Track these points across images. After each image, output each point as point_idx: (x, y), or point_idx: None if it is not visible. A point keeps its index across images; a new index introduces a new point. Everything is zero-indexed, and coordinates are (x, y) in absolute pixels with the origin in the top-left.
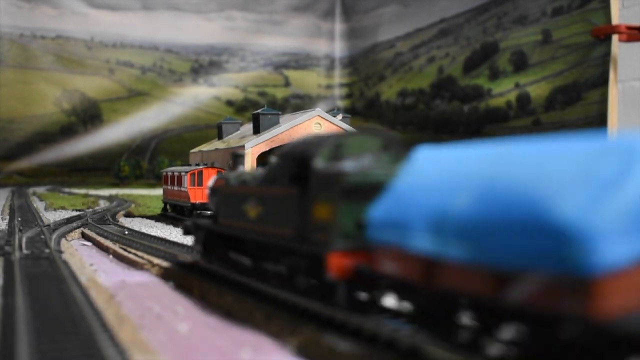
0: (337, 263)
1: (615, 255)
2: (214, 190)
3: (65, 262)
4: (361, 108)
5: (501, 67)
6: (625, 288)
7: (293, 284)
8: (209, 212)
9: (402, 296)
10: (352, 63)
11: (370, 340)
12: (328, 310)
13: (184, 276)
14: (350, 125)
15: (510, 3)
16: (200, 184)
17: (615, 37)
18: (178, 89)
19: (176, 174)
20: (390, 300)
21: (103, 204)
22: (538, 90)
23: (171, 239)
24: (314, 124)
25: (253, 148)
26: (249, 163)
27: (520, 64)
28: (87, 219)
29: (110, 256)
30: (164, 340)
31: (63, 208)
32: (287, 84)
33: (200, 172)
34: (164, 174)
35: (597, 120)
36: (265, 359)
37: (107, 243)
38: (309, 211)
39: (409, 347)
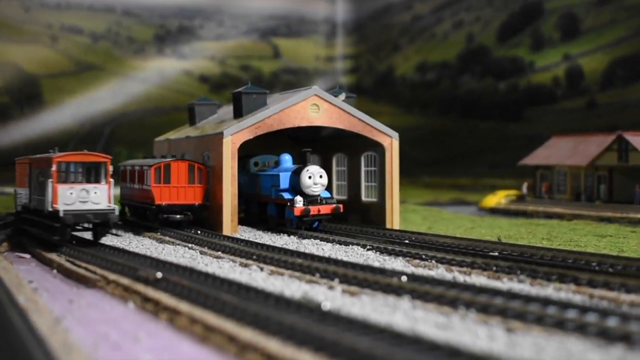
0: None
1: None
2: None
3: None
4: (370, 86)
5: (546, 34)
6: None
7: None
8: (178, 217)
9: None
10: (359, 29)
11: None
12: None
13: (147, 295)
14: (356, 107)
15: None
16: (167, 180)
17: None
18: (139, 62)
19: (137, 168)
20: None
21: None
22: (593, 63)
23: (131, 249)
24: (310, 106)
25: (233, 136)
26: (227, 153)
27: (570, 30)
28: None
29: (55, 271)
30: None
31: None
32: (276, 55)
33: (168, 166)
34: (122, 168)
35: None
36: None
37: (51, 255)
38: None
39: None
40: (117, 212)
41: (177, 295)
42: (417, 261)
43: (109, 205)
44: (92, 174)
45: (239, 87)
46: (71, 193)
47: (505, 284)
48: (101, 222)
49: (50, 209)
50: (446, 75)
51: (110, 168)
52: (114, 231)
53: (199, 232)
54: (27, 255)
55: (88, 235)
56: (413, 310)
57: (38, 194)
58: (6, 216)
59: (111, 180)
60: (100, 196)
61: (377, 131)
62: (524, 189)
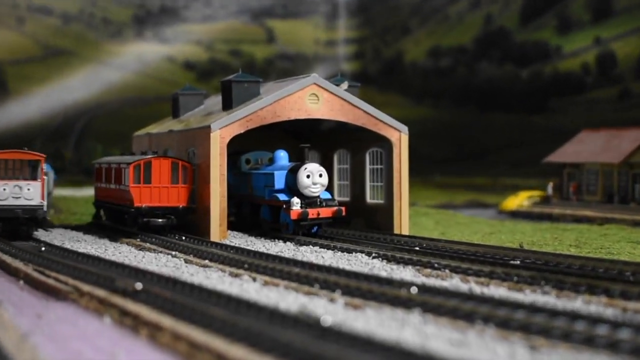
0: None
1: None
2: None
3: None
4: (376, 74)
5: (575, 16)
6: None
7: None
8: (160, 221)
9: None
10: (364, 9)
11: None
12: None
13: (126, 308)
14: (361, 97)
15: None
16: (148, 180)
17: None
18: (116, 47)
19: (114, 166)
20: None
21: None
22: (627, 47)
23: (107, 257)
24: (308, 96)
25: (222, 130)
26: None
27: (602, 10)
28: None
29: (21, 282)
30: None
31: None
32: (270, 39)
33: (148, 164)
34: (97, 166)
35: None
36: None
37: (17, 264)
38: None
39: None
40: (45, 209)
41: (159, 309)
42: (429, 270)
43: (41, 202)
44: (26, 171)
45: (228, 75)
46: (4, 189)
47: (528, 296)
48: (30, 218)
49: None
50: (462, 62)
51: (45, 166)
52: (47, 229)
53: (183, 238)
54: None
55: (58, 240)
56: (424, 325)
57: None
58: None
59: (45, 177)
60: (33, 193)
61: (383, 124)
62: (549, 190)
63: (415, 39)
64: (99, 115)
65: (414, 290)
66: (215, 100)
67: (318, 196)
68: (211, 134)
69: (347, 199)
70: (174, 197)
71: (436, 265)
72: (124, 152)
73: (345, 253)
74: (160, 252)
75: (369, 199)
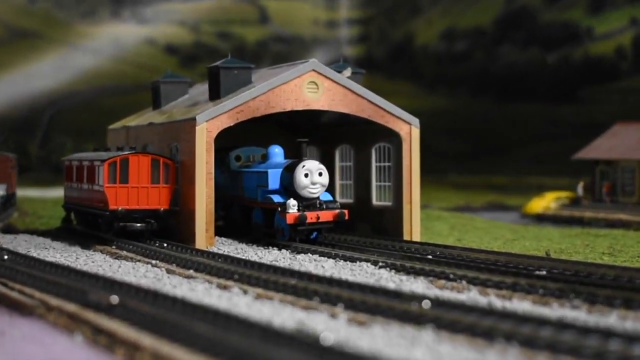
0: None
1: None
2: None
3: None
4: (383, 58)
5: None
6: None
7: None
8: (138, 226)
9: None
10: None
11: None
12: None
13: (100, 325)
14: (366, 85)
15: None
16: (125, 180)
17: None
18: (89, 28)
19: (86, 164)
20: None
21: None
22: None
23: (79, 266)
24: (306, 84)
25: (209, 122)
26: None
27: None
28: None
29: None
30: None
31: None
32: (263, 19)
33: (125, 161)
34: (67, 164)
35: None
36: None
37: None
38: None
39: None
40: None
41: (137, 326)
42: (443, 282)
43: None
44: None
45: (216, 61)
46: None
47: (556, 311)
48: None
49: None
50: (480, 45)
51: None
52: None
53: (165, 245)
54: None
55: (23, 247)
56: (437, 344)
57: None
58: None
59: None
60: None
61: (392, 116)
62: (580, 190)
63: (427, 19)
64: (70, 105)
65: (426, 304)
66: (201, 89)
67: (317, 198)
68: (196, 127)
69: (350, 200)
70: (155, 198)
71: (451, 276)
72: (97, 148)
73: (348, 262)
74: (139, 261)
75: (375, 201)
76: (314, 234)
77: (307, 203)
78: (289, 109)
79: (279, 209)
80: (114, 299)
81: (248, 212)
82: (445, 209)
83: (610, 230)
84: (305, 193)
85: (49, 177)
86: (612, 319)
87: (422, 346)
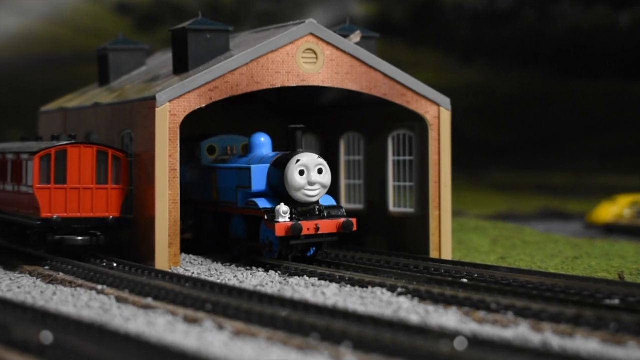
0: None
1: None
2: None
3: None
4: (403, 20)
5: None
6: None
7: None
8: (80, 239)
9: None
10: None
11: None
12: None
13: None
14: (380, 55)
15: None
16: (62, 178)
17: None
18: None
19: (10, 158)
20: None
21: None
22: None
23: (0, 294)
24: (302, 52)
25: (173, 103)
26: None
27: None
28: None
29: None
30: None
31: None
32: None
33: (63, 154)
34: None
35: None
36: None
37: None
38: None
39: None
40: None
41: None
42: (483, 314)
43: None
44: None
45: (182, 22)
46: None
47: (632, 351)
48: None
49: None
50: (530, 3)
51: None
52: None
53: (114, 265)
54: None
55: None
56: None
57: None
58: None
59: None
60: None
61: (414, 95)
62: None
63: None
64: None
65: (460, 343)
66: (163, 60)
67: (317, 202)
68: (157, 109)
69: (360, 206)
70: (101, 204)
71: (493, 306)
72: (25, 137)
73: (357, 287)
74: (80, 286)
75: (392, 207)
76: (312, 249)
77: (302, 209)
78: (278, 85)
79: (266, 217)
80: (46, 336)
81: (225, 221)
82: (484, 217)
83: None
84: (300, 196)
85: None
86: None
87: None
